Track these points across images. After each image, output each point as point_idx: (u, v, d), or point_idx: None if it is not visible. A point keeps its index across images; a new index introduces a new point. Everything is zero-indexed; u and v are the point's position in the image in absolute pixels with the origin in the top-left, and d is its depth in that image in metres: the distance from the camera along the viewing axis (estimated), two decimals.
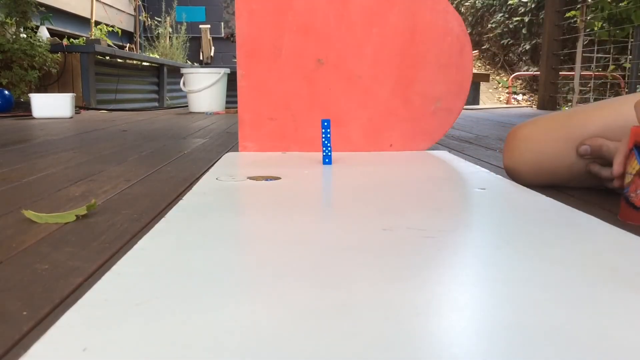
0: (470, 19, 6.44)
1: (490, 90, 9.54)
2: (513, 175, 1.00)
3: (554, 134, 0.91)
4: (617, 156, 0.75)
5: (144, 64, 5.39)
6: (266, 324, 0.38)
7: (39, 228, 0.67)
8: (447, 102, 1.44)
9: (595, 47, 5.11)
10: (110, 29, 5.25)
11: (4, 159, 1.34)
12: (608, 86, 6.12)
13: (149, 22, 6.99)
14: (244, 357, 0.33)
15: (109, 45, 4.65)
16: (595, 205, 0.79)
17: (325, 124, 1.18)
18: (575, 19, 4.74)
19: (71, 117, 3.20)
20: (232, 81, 3.99)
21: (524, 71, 9.24)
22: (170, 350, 0.34)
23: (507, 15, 6.17)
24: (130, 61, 5.13)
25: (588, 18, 4.64)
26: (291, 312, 0.40)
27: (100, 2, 5.65)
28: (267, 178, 1.00)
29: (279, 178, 1.00)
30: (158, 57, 6.00)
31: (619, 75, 6.14)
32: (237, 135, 1.52)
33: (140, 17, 7.01)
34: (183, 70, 4.24)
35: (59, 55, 4.00)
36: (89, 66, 4.12)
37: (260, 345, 0.35)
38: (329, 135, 1.17)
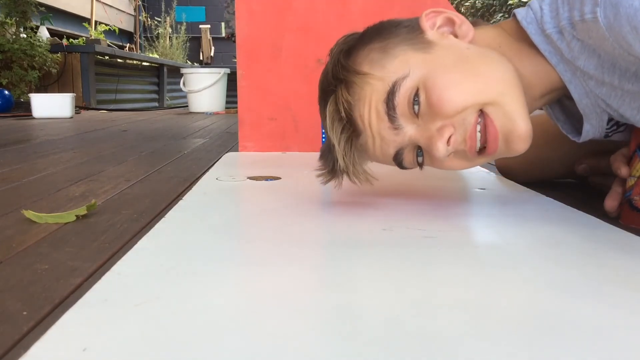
0: (470, 19, 6.45)
1: None
2: (505, 172, 1.00)
3: (543, 126, 0.91)
4: (611, 193, 0.73)
5: (144, 64, 5.39)
6: (266, 324, 0.38)
7: (39, 228, 0.67)
8: None
9: None
10: (106, 27, 5.24)
11: (4, 159, 1.34)
12: None
13: (149, 22, 6.98)
14: (245, 356, 0.33)
15: (108, 45, 4.64)
16: (595, 205, 0.79)
17: None
18: None
19: (71, 117, 3.20)
20: (232, 81, 3.99)
21: None
22: (170, 350, 0.34)
23: (507, 16, 6.17)
24: (130, 61, 5.13)
25: None
26: (292, 311, 0.40)
27: (100, 2, 5.65)
28: (267, 178, 1.00)
29: (279, 178, 1.00)
30: (158, 57, 6.00)
31: None
32: (237, 135, 1.52)
33: (140, 17, 7.01)
34: (183, 70, 4.24)
35: (59, 55, 4.00)
36: (89, 66, 4.12)
37: (260, 345, 0.35)
38: None
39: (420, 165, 0.67)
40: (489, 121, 0.61)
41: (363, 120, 0.64)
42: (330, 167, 0.68)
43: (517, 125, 0.61)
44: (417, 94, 0.62)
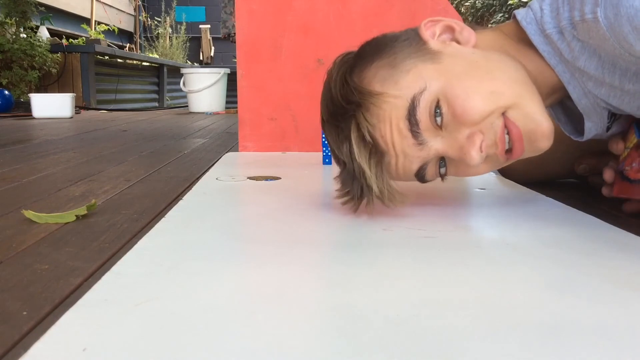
0: (470, 19, 6.44)
1: None
2: (505, 172, 1.00)
3: None
4: (607, 168, 0.75)
5: (144, 64, 5.39)
6: (266, 323, 0.38)
7: (39, 228, 0.67)
8: None
9: None
10: (106, 27, 5.24)
11: (4, 159, 1.34)
12: None
13: (149, 22, 6.98)
14: (245, 356, 0.33)
15: (108, 45, 4.64)
16: (595, 205, 0.79)
17: None
18: None
19: (71, 117, 3.20)
20: (232, 81, 3.99)
21: None
22: (170, 350, 0.34)
23: (507, 16, 6.18)
24: (130, 61, 5.13)
25: None
26: (291, 311, 0.40)
27: (100, 2, 5.65)
28: (267, 178, 1.00)
29: (279, 178, 1.00)
30: (158, 57, 6.00)
31: None
32: (237, 135, 1.52)
33: (140, 17, 7.01)
34: (183, 70, 4.24)
35: (59, 55, 4.00)
36: (89, 66, 4.12)
37: (261, 345, 0.35)
38: None
39: (443, 176, 0.66)
40: (510, 124, 0.60)
41: (386, 141, 0.62)
42: (359, 194, 0.64)
43: (539, 124, 0.61)
44: (438, 106, 0.61)
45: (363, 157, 0.62)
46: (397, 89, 0.61)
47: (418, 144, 0.62)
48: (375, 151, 0.63)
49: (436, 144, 0.62)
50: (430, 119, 0.61)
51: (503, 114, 0.61)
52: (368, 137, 0.62)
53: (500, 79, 0.62)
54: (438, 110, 0.61)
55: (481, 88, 0.61)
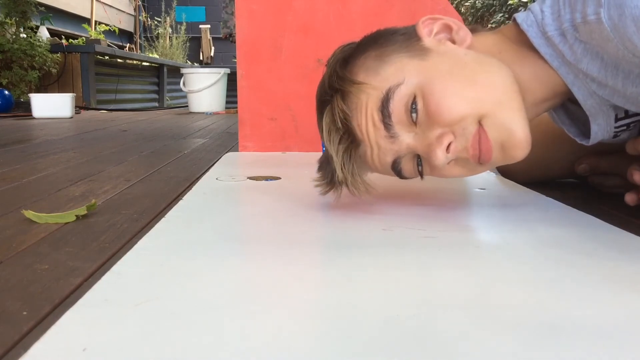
0: (470, 19, 6.45)
1: None
2: (505, 172, 1.00)
3: (541, 127, 0.90)
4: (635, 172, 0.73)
5: (144, 64, 5.39)
6: (267, 324, 0.38)
7: (39, 228, 0.67)
8: None
9: None
10: (106, 27, 5.24)
11: (4, 159, 1.34)
12: None
13: (149, 22, 6.98)
14: (245, 356, 0.33)
15: (108, 45, 4.64)
16: (595, 205, 0.79)
17: None
18: None
19: (71, 117, 3.20)
20: (232, 81, 3.99)
21: None
22: (170, 350, 0.34)
23: (507, 15, 6.18)
24: (130, 61, 5.12)
25: None
26: (291, 311, 0.40)
27: (100, 2, 5.65)
28: (267, 178, 1.00)
29: (279, 178, 1.00)
30: (158, 57, 6.00)
31: None
32: (237, 135, 1.52)
33: (140, 17, 7.01)
34: (183, 70, 4.24)
35: (59, 55, 4.00)
36: (89, 66, 4.11)
37: (261, 345, 0.35)
38: None
39: (421, 174, 0.66)
40: (482, 133, 0.60)
41: (361, 130, 0.63)
42: (329, 179, 0.67)
43: (513, 134, 0.60)
44: (414, 102, 0.61)
45: (333, 142, 0.64)
46: (377, 81, 0.62)
47: (390, 136, 0.62)
48: (347, 138, 0.64)
49: (408, 139, 0.63)
50: (406, 114, 0.61)
51: (480, 122, 0.60)
52: (339, 124, 0.63)
53: (482, 84, 0.61)
54: (414, 106, 0.61)
55: (460, 90, 0.61)
